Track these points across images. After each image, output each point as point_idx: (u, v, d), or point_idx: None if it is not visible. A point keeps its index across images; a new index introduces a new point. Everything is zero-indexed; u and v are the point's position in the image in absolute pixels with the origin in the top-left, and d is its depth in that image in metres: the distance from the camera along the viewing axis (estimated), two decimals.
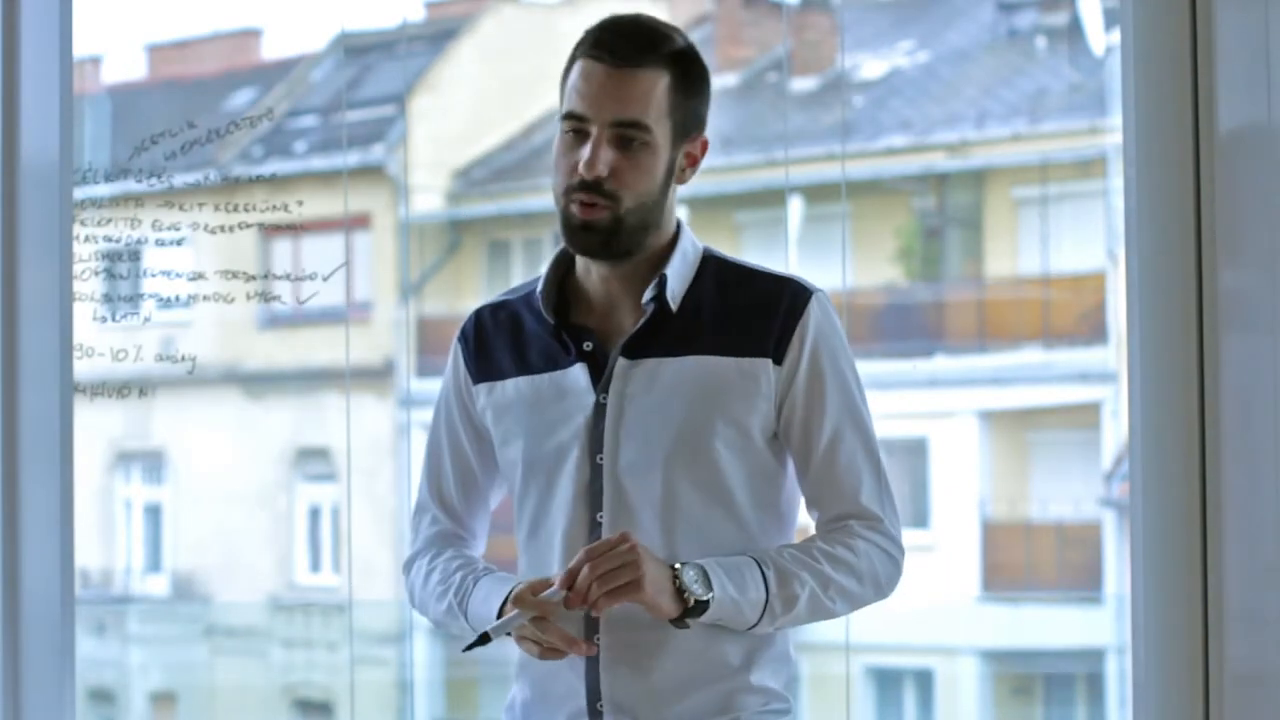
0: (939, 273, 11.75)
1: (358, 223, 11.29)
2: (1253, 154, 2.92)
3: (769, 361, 2.52)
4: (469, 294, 12.85)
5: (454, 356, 2.66)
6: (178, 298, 3.62)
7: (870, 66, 12.27)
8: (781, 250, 12.01)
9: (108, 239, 3.46)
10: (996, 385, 11.69)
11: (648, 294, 2.53)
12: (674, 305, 2.54)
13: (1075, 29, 11.83)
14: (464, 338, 2.65)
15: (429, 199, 12.75)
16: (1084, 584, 11.55)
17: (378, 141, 11.60)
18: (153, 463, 12.21)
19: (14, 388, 3.27)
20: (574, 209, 2.50)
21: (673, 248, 2.56)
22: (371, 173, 11.57)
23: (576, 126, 2.49)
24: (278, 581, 12.19)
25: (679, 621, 2.44)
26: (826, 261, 10.40)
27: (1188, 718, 2.97)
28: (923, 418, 11.64)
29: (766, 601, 2.46)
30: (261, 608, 12.17)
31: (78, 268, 3.37)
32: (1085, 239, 11.41)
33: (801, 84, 12.01)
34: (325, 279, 3.65)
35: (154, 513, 12.29)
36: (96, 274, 3.46)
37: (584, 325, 2.57)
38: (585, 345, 2.55)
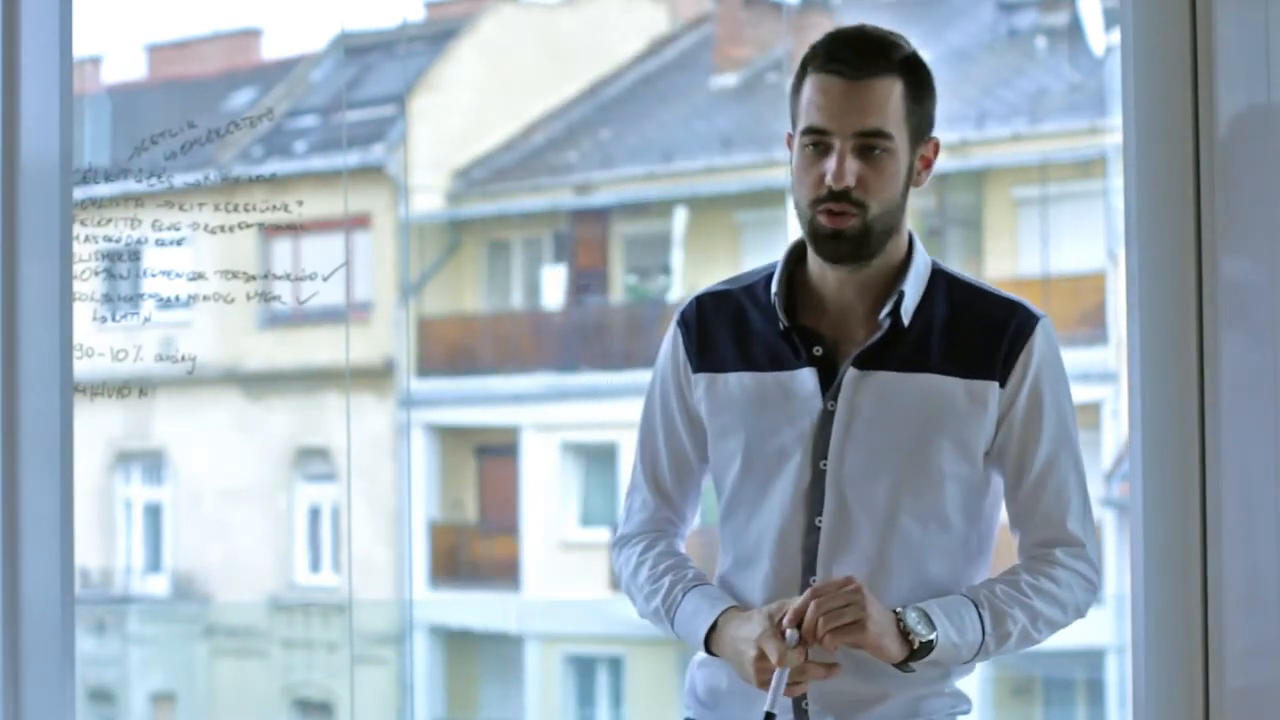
0: None
1: (358, 223, 11.29)
2: (1252, 154, 2.92)
3: (995, 384, 2.57)
4: (469, 294, 12.85)
5: (673, 341, 2.69)
6: (178, 298, 3.62)
7: None
8: (782, 250, 11.98)
9: (108, 239, 3.46)
10: None
11: (885, 309, 2.57)
12: (906, 320, 2.58)
13: (1075, 29, 11.83)
14: (685, 324, 2.68)
15: (429, 199, 12.75)
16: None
17: (378, 141, 11.61)
18: (153, 463, 12.21)
19: (14, 388, 3.27)
20: (822, 219, 2.54)
21: (908, 260, 2.60)
22: (371, 173, 11.57)
23: (818, 140, 2.54)
24: (278, 581, 12.19)
25: (903, 665, 2.50)
26: None
27: (1188, 718, 2.97)
28: None
29: (982, 642, 2.53)
30: (261, 608, 12.17)
31: (78, 268, 3.37)
32: (1085, 239, 11.41)
33: None
34: (325, 279, 3.65)
35: (154, 513, 12.29)
36: (96, 274, 3.45)
37: (814, 329, 2.60)
38: (815, 350, 2.59)
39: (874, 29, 2.57)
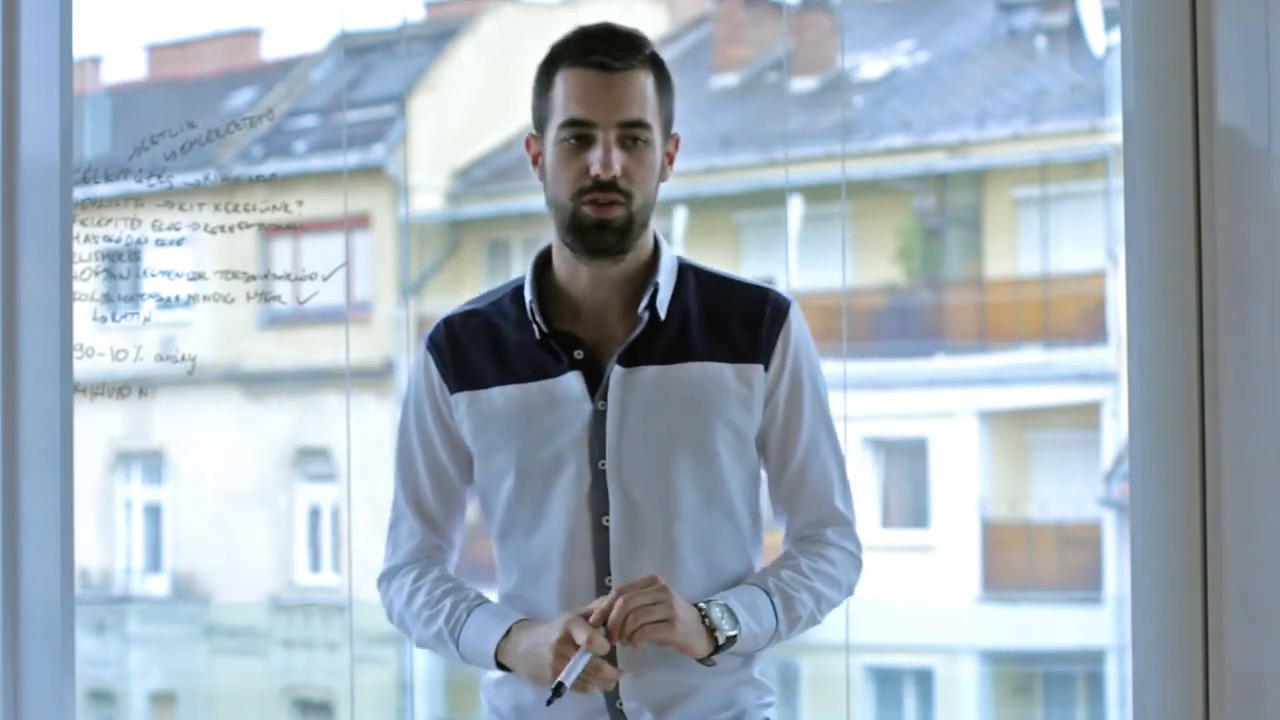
0: (939, 273, 11.75)
1: (358, 223, 11.29)
2: (1252, 153, 2.92)
3: (760, 367, 2.60)
4: (469, 294, 12.84)
5: (425, 365, 2.67)
6: (178, 298, 3.62)
7: (870, 66, 12.27)
8: (781, 250, 12.01)
9: (108, 239, 3.46)
10: (996, 385, 11.68)
11: (643, 303, 2.58)
12: (662, 313, 2.59)
13: (1075, 29, 11.83)
14: (435, 346, 2.67)
15: (429, 199, 12.74)
16: (1084, 584, 11.55)
17: (378, 141, 11.60)
18: (153, 463, 12.21)
19: (14, 388, 3.27)
20: (587, 210, 2.57)
21: (656, 255, 2.62)
22: (371, 173, 11.57)
23: (580, 133, 2.56)
24: (278, 581, 12.18)
25: (705, 660, 2.53)
26: (826, 261, 10.39)
27: (1187, 718, 2.98)
28: (923, 418, 11.64)
29: (776, 629, 2.57)
30: (261, 608, 12.16)
31: (78, 268, 3.37)
32: (1085, 239, 11.41)
33: (801, 84, 12.01)
34: (325, 279, 3.65)
35: (154, 513, 12.29)
36: (96, 274, 3.45)
37: (572, 333, 2.60)
38: (577, 353, 2.59)
39: (618, 25, 2.62)
